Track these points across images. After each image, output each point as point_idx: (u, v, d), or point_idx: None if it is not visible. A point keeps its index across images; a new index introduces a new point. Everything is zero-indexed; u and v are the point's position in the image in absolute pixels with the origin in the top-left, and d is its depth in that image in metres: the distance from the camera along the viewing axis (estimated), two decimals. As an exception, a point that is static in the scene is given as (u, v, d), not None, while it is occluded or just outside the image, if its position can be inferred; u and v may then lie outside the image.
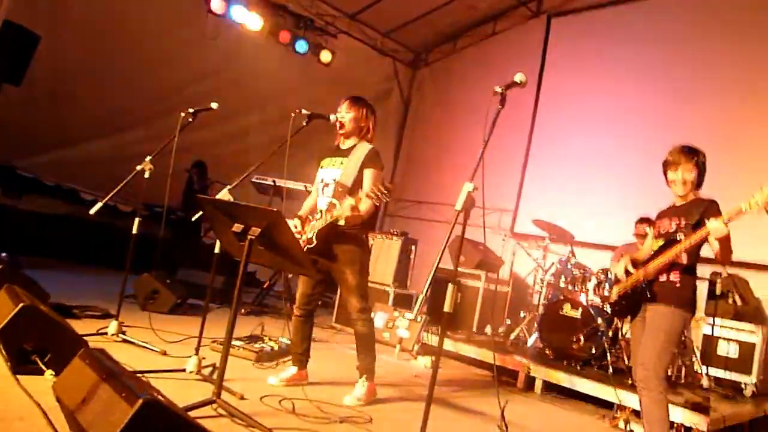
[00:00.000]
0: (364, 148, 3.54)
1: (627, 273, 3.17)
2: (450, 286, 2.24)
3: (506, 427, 2.59)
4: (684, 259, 2.98)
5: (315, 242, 3.33)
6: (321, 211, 3.42)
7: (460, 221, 2.32)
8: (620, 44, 7.40)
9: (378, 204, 3.17)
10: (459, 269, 6.61)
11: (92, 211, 3.67)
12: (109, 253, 7.38)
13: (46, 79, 6.67)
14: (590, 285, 5.38)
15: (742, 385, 5.00)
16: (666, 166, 3.12)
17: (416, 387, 4.29)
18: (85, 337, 3.45)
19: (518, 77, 2.49)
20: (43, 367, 2.76)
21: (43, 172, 7.46)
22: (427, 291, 2.32)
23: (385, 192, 3.02)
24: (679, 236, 2.94)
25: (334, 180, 3.48)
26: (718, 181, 3.20)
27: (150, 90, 7.62)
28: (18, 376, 2.71)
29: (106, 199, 3.70)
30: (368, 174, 3.48)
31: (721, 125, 6.12)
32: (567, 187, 7.36)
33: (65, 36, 6.73)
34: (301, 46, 8.39)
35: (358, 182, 3.44)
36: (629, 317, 3.23)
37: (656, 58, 6.98)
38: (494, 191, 8.49)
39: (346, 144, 3.63)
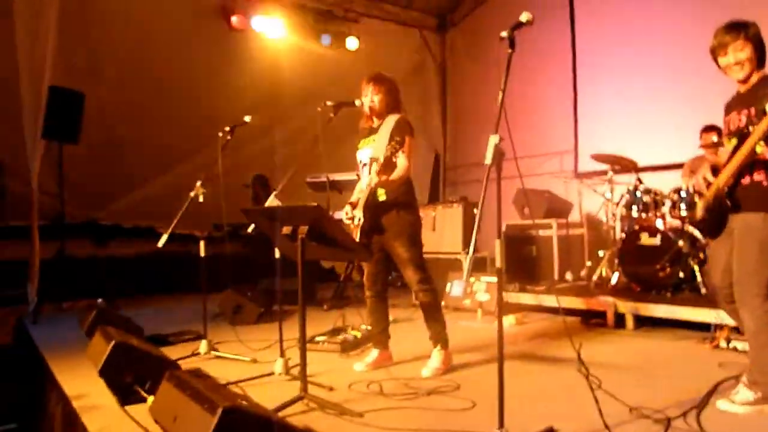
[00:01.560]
0: (391, 120, 3.57)
1: (707, 184, 2.81)
2: (497, 243, 2.21)
3: (587, 370, 2.54)
4: (767, 154, 2.52)
5: (362, 219, 3.37)
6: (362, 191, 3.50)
7: (493, 176, 2.28)
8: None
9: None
10: (529, 221, 6.53)
11: (160, 244, 3.89)
12: (193, 278, 7.81)
13: (99, 133, 7.06)
14: (665, 209, 5.15)
15: None
16: (714, 52, 2.73)
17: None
18: (181, 360, 3.71)
19: (524, 17, 2.39)
20: (145, 395, 2.97)
21: (120, 218, 7.93)
22: (473, 252, 2.28)
23: None
24: (751, 128, 2.53)
25: (370, 158, 3.52)
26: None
27: (193, 119, 7.90)
28: (126, 408, 2.94)
29: (169, 230, 3.91)
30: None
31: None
32: (623, 113, 6.98)
33: (105, 90, 7.10)
34: (325, 39, 8.43)
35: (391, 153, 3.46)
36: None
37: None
38: (549, 134, 8.24)
39: (376, 122, 3.66)
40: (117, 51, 7.28)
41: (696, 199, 3.03)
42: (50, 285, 6.22)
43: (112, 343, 2.99)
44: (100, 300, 5.74)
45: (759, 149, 2.51)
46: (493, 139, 2.25)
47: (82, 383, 3.36)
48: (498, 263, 2.24)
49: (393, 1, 9.13)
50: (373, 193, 3.41)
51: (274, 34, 8.01)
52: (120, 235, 8.04)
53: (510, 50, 2.36)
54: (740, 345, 3.72)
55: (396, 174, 3.40)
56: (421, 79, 9.69)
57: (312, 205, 2.63)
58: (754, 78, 2.68)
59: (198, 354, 4.05)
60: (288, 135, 8.52)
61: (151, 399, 2.94)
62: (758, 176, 2.61)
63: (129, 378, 3.02)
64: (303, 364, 2.87)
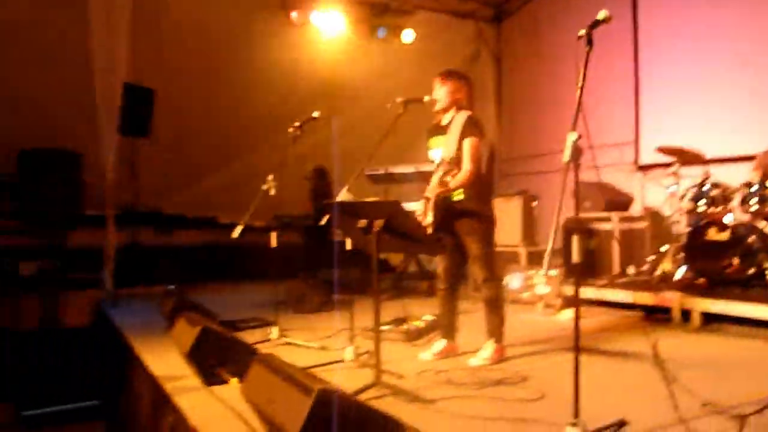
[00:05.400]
0: (460, 118, 3.64)
1: None
2: (575, 237, 2.26)
3: (661, 364, 2.57)
4: None
5: (432, 219, 3.48)
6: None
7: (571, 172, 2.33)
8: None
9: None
10: (589, 215, 6.48)
11: (234, 234, 4.08)
12: (251, 267, 8.09)
13: (165, 126, 7.37)
14: (734, 203, 5.03)
15: None
16: None
17: (564, 340, 4.29)
18: (254, 345, 3.88)
19: (601, 14, 2.41)
20: (227, 377, 3.16)
21: (184, 208, 8.26)
22: (551, 245, 2.34)
23: None
24: None
25: (442, 158, 3.60)
26: None
27: (256, 111, 8.15)
28: (211, 388, 3.13)
29: (244, 221, 4.08)
30: (467, 144, 3.58)
31: None
32: (688, 102, 6.78)
33: (171, 84, 7.38)
34: (381, 32, 8.53)
35: (460, 153, 3.57)
36: None
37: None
38: (609, 126, 8.06)
39: (445, 119, 3.73)
40: (183, 46, 7.57)
41: None
42: (123, 271, 6.56)
43: (199, 328, 3.18)
44: (173, 286, 6.03)
45: None
46: (572, 137, 2.28)
47: (166, 364, 3.59)
48: (575, 257, 2.29)
49: (448, -8, 9.13)
50: (445, 195, 3.52)
51: (332, 28, 8.15)
52: (183, 225, 8.38)
53: (588, 48, 2.38)
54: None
55: (457, 180, 3.49)
56: (475, 70, 9.63)
57: (390, 200, 2.73)
58: None
59: (269, 340, 4.23)
60: (345, 127, 8.66)
61: (233, 381, 3.14)
62: None
63: (213, 361, 3.22)
64: (377, 352, 2.99)
